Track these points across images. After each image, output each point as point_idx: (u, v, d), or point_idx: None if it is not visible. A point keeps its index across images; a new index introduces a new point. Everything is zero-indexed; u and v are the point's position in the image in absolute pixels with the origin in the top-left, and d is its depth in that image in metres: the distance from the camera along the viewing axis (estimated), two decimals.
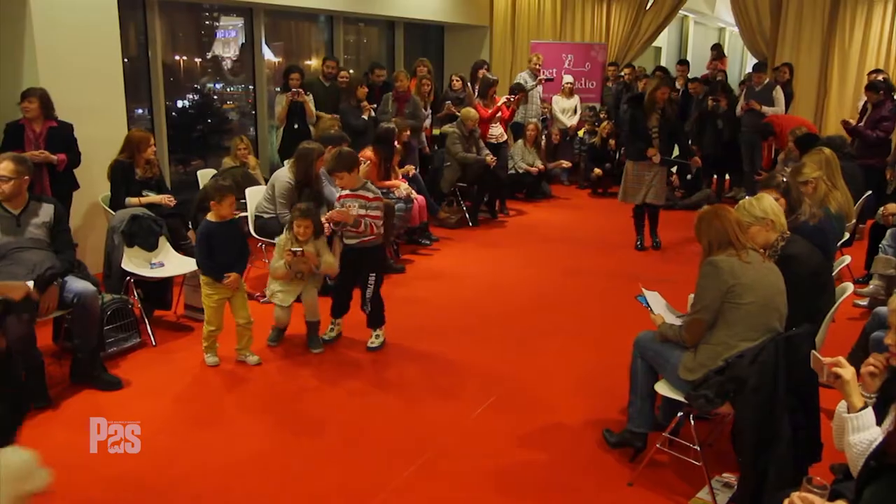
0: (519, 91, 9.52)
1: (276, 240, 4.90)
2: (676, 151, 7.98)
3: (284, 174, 5.84)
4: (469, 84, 9.60)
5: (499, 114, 9.16)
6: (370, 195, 4.80)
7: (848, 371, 2.30)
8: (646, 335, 3.58)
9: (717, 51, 12.19)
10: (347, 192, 4.83)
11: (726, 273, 3.19)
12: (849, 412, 2.27)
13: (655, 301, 3.79)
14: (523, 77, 10.22)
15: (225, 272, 4.51)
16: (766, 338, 3.11)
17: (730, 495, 3.28)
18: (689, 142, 9.53)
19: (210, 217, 4.60)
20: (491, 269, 6.93)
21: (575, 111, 10.98)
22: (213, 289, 4.54)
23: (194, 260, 5.09)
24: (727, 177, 10.39)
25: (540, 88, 10.33)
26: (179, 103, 8.62)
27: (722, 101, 9.56)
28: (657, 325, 3.54)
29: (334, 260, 4.88)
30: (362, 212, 4.73)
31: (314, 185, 5.82)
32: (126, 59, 7.17)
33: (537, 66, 10.19)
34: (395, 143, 7.11)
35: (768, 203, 3.72)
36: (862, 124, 8.02)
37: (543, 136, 10.33)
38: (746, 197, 4.04)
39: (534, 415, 4.09)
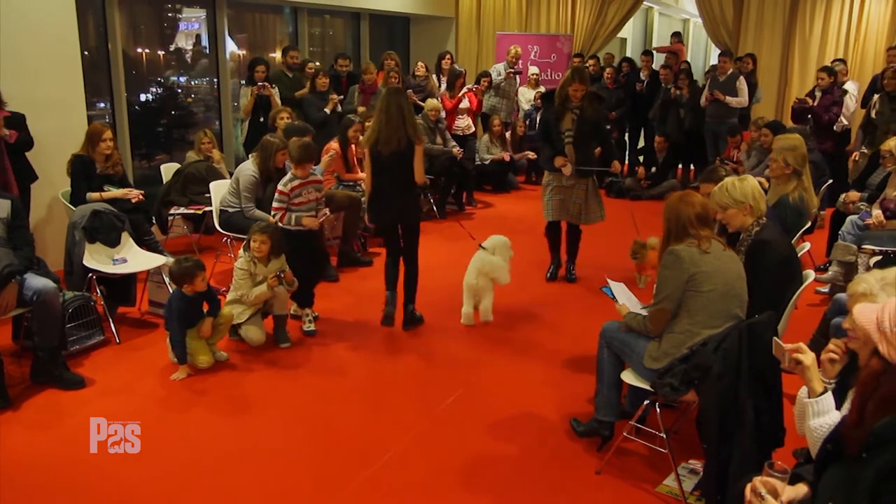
0: (483, 77, 9.59)
1: (236, 265, 4.81)
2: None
3: (249, 167, 5.79)
4: (434, 75, 9.59)
5: (466, 104, 9.15)
6: (318, 176, 5.25)
7: (808, 357, 2.34)
8: (612, 325, 3.60)
9: (677, 37, 12.32)
10: (299, 181, 4.99)
11: (687, 262, 3.22)
12: (809, 397, 2.31)
13: (620, 291, 3.82)
14: (497, 69, 10.24)
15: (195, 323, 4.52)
16: (729, 325, 3.15)
17: (695, 481, 3.33)
18: (655, 135, 9.61)
19: (186, 290, 4.47)
20: (458, 261, 6.90)
21: None
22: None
23: (160, 256, 5.03)
24: (692, 167, 10.51)
25: (518, 82, 10.39)
26: (142, 97, 8.48)
27: (684, 90, 9.67)
28: (622, 315, 3.57)
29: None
30: (318, 194, 5.08)
31: (277, 179, 5.78)
32: (85, 52, 7.04)
33: (514, 59, 10.21)
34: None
35: (750, 186, 3.67)
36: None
37: (509, 130, 10.38)
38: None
39: (502, 405, 4.11)
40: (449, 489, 3.34)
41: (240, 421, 3.93)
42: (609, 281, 3.88)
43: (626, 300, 3.72)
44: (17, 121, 5.38)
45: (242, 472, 3.43)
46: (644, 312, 3.47)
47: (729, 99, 9.14)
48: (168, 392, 4.26)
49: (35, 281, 4.14)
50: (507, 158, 9.93)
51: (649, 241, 5.45)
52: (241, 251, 4.86)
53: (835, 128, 8.58)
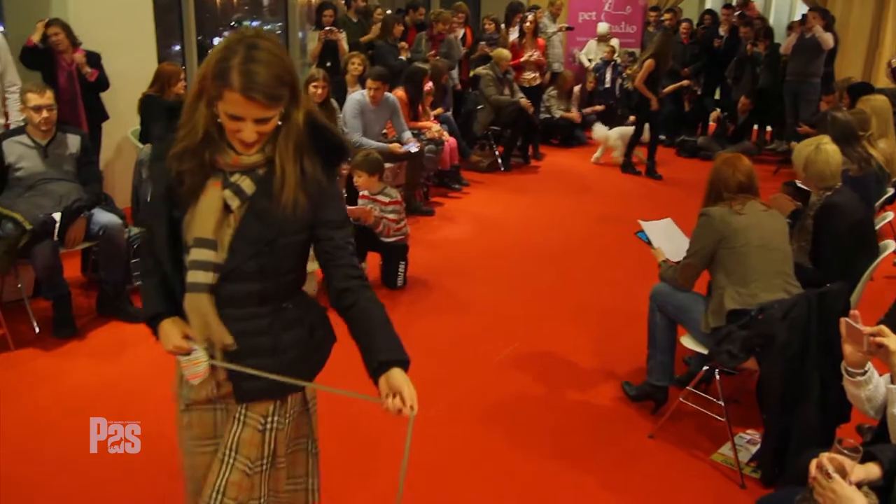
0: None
1: None
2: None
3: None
4: (504, 27, 9.38)
5: (535, 56, 8.99)
6: (386, 199, 4.90)
7: (893, 341, 2.12)
8: (662, 288, 3.48)
9: None
10: (366, 193, 4.95)
11: (717, 221, 3.19)
12: (893, 383, 2.14)
13: (660, 231, 3.73)
14: (542, 21, 9.95)
15: None
16: (797, 293, 3.03)
17: (753, 452, 3.23)
18: None
19: None
20: (520, 215, 6.84)
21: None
22: None
23: None
24: (768, 128, 10.08)
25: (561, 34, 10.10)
26: (213, 40, 8.52)
27: (760, 46, 9.23)
28: (658, 261, 3.56)
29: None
30: (380, 214, 4.85)
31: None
32: None
33: (557, 10, 9.91)
34: (425, 84, 6.98)
35: (806, 157, 3.54)
36: None
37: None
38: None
39: (555, 362, 4.05)
40: (497, 447, 3.31)
41: None
42: (643, 223, 3.76)
43: (667, 240, 3.66)
44: (93, 60, 5.47)
45: None
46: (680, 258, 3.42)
47: (818, 30, 8.50)
48: None
49: (102, 216, 4.24)
50: (578, 119, 9.72)
51: None
52: None
53: None
